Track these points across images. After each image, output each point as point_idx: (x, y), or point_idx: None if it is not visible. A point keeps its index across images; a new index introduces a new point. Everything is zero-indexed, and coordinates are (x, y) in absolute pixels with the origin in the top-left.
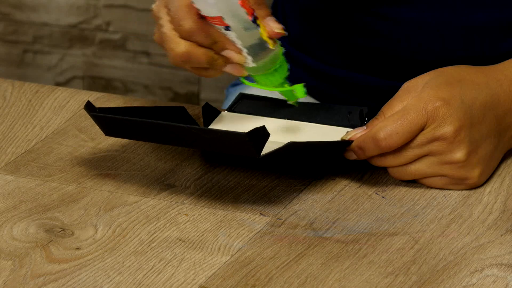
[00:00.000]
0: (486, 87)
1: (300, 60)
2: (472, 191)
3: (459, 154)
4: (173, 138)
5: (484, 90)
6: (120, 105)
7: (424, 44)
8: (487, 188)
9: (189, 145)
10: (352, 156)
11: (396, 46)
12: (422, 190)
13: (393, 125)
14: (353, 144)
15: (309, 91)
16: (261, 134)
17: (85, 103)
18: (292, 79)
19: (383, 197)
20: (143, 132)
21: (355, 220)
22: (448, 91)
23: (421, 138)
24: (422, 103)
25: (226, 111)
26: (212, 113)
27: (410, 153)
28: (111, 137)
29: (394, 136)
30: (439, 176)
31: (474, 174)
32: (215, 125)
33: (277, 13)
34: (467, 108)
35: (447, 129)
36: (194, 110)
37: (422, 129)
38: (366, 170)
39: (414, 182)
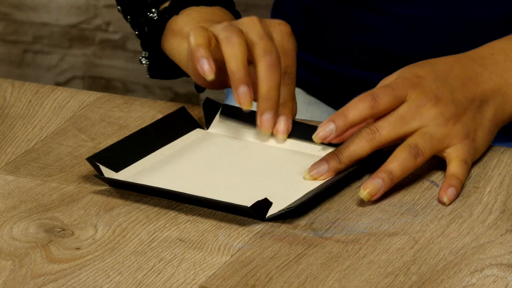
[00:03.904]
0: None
1: (300, 57)
2: (472, 191)
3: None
4: (180, 199)
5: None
6: (120, 105)
7: (423, 40)
8: (487, 188)
9: (196, 204)
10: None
11: (395, 42)
12: (422, 190)
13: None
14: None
15: (309, 88)
16: (264, 205)
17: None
18: None
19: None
20: (152, 192)
21: (355, 220)
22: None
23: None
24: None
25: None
26: (213, 107)
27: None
28: (111, 137)
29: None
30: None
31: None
32: (216, 126)
33: (278, 11)
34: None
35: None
36: (194, 111)
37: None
38: (366, 170)
39: (414, 182)
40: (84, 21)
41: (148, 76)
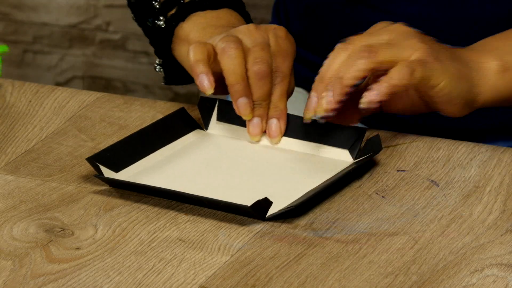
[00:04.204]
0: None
1: (301, 56)
2: (472, 191)
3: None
4: (180, 199)
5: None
6: (120, 105)
7: None
8: (487, 188)
9: (196, 204)
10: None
11: None
12: (422, 189)
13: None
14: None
15: (309, 87)
16: (264, 205)
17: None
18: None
19: (383, 197)
20: (152, 192)
21: (355, 220)
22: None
23: None
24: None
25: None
26: (208, 104)
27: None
28: (111, 137)
29: None
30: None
31: None
32: (215, 127)
33: (279, 11)
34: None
35: None
36: (194, 111)
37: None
38: (366, 170)
39: (414, 182)
40: (84, 21)
41: (163, 83)
